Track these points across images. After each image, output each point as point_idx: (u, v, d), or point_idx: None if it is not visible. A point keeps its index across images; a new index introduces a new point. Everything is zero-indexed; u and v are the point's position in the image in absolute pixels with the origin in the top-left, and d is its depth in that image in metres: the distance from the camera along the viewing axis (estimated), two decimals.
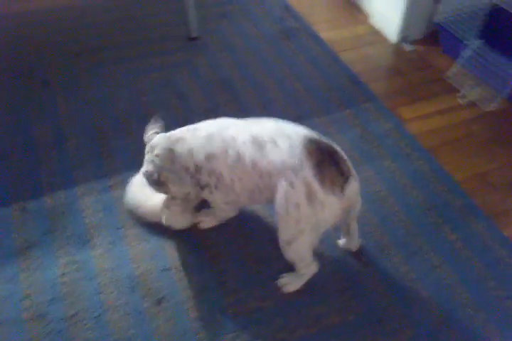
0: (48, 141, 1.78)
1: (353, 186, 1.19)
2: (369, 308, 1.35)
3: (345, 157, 1.19)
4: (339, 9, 2.48)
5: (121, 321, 1.30)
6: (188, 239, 1.48)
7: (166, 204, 1.42)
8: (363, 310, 1.34)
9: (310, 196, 1.14)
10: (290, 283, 1.37)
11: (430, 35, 2.27)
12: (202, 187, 1.32)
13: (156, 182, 1.33)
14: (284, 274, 1.39)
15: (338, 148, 1.20)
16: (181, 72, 2.08)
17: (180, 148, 1.29)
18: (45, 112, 1.89)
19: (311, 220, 1.17)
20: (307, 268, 1.34)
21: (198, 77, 2.06)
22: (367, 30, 2.36)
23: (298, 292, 1.37)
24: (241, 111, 1.91)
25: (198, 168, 1.28)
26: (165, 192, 1.38)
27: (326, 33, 2.32)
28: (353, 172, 1.19)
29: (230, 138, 1.23)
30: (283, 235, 1.24)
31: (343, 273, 1.42)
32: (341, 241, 1.47)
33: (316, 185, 1.13)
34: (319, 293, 1.37)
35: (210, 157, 1.25)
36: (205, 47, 2.20)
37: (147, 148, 1.36)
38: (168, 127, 1.84)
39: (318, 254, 1.45)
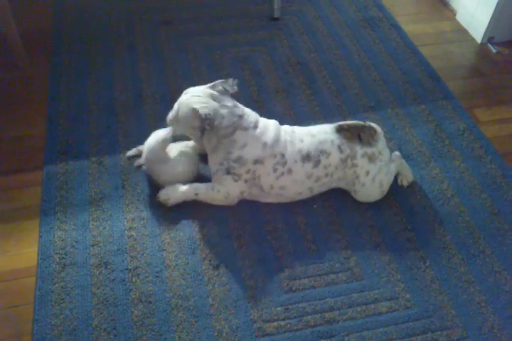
0: (128, 102, 1.85)
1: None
2: (421, 303, 1.34)
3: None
4: (425, 3, 2.42)
5: (179, 279, 1.36)
6: (250, 212, 1.51)
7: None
8: (414, 303, 1.34)
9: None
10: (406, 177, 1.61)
11: None
12: (228, 172, 1.44)
13: (209, 121, 1.37)
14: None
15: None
16: (260, 50, 2.10)
17: (237, 137, 1.41)
18: (128, 75, 1.96)
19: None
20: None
21: (276, 58, 2.07)
22: (452, 27, 2.29)
23: (350, 278, 1.39)
24: (313, 95, 1.91)
25: (239, 161, 1.42)
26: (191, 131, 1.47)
27: (408, 26, 2.27)
28: None
29: (280, 156, 1.43)
30: (373, 196, 1.53)
31: (397, 264, 1.42)
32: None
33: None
34: (372, 281, 1.38)
35: (257, 162, 1.42)
36: (286, 29, 2.21)
37: (212, 91, 1.45)
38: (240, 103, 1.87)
39: (377, 245, 1.45)
